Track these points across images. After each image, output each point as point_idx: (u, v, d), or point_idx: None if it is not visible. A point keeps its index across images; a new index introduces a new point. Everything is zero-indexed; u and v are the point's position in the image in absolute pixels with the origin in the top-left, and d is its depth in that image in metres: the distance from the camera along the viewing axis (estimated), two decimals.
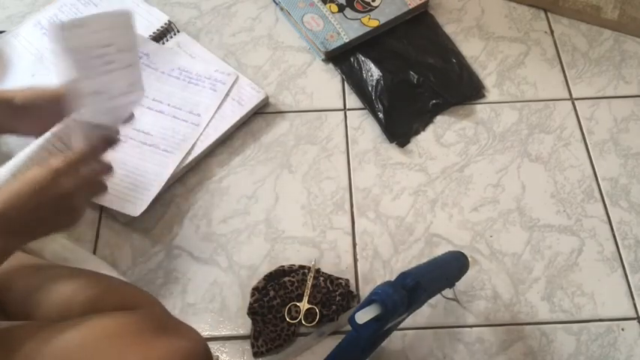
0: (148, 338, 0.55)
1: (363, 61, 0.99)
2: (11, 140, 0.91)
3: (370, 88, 0.96)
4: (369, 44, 1.01)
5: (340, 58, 1.00)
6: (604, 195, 0.89)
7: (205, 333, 0.77)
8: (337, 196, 0.88)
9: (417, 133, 0.94)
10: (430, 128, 0.95)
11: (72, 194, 0.55)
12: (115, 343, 0.54)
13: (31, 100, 0.64)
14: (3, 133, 0.76)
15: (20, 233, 0.54)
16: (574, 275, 0.82)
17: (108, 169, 0.61)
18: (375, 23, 1.01)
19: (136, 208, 0.83)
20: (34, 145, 0.60)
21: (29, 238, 0.57)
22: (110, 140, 0.60)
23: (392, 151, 0.92)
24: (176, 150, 0.88)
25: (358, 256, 0.83)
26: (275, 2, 1.07)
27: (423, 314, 0.78)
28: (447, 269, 0.71)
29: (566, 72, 1.01)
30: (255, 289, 0.78)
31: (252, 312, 0.77)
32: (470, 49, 1.03)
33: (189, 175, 0.89)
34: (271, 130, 0.94)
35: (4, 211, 0.51)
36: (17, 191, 0.52)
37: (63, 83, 0.55)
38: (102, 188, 0.61)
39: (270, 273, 0.80)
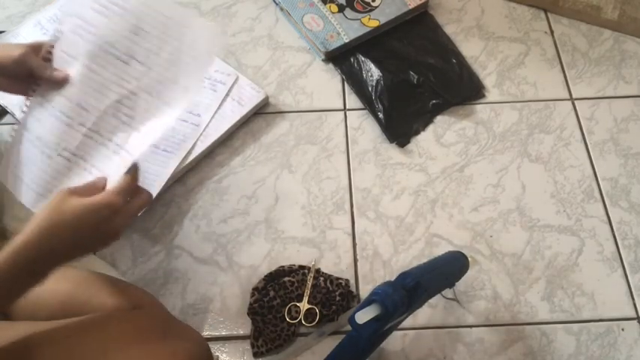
0: (150, 339, 0.55)
1: (363, 61, 0.99)
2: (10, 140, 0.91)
3: (370, 88, 0.96)
4: (369, 44, 1.01)
5: (340, 58, 1.00)
6: (604, 195, 0.89)
7: (205, 333, 0.77)
8: (337, 196, 0.88)
9: (417, 133, 0.94)
10: (430, 128, 0.95)
11: (118, 230, 0.56)
12: (117, 343, 0.54)
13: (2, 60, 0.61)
14: None
15: (59, 262, 0.53)
16: (574, 275, 0.82)
17: (149, 198, 0.60)
18: (375, 23, 1.01)
19: None
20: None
21: (64, 264, 0.55)
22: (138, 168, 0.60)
23: (392, 151, 0.92)
24: (176, 150, 0.88)
25: (358, 256, 0.83)
26: (275, 2, 1.07)
27: (423, 314, 0.78)
28: (447, 269, 0.71)
29: (566, 72, 1.01)
30: (255, 289, 0.78)
31: (252, 312, 0.77)
32: (470, 49, 1.03)
33: (189, 175, 0.89)
34: (271, 130, 0.94)
35: (53, 245, 0.51)
36: (69, 225, 0.51)
37: None
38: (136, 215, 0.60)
39: (270, 273, 0.80)
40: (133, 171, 0.59)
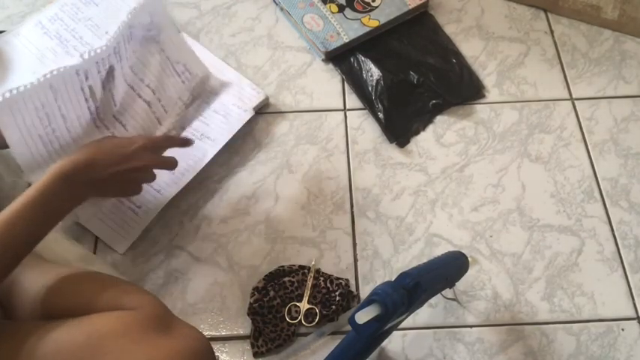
0: (152, 337, 0.55)
1: (363, 61, 0.99)
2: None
3: (370, 88, 0.96)
4: (369, 44, 1.01)
5: (340, 58, 1.00)
6: (604, 195, 0.89)
7: (205, 333, 0.77)
8: (337, 196, 0.88)
9: (417, 133, 0.94)
10: (430, 128, 0.95)
11: (141, 168, 0.67)
12: (120, 341, 0.54)
13: None
14: None
15: (96, 188, 0.64)
16: (574, 275, 0.82)
17: (174, 163, 0.72)
18: (375, 23, 1.01)
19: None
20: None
21: (98, 194, 0.67)
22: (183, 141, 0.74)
23: (392, 151, 0.92)
24: (180, 174, 0.85)
25: (358, 256, 0.83)
26: (275, 2, 1.07)
27: (423, 314, 0.78)
28: (447, 269, 0.71)
29: (566, 72, 1.01)
30: (255, 289, 0.78)
31: (252, 312, 0.77)
32: (470, 49, 1.03)
33: None
34: (271, 130, 0.94)
35: (94, 163, 0.62)
36: (108, 150, 0.64)
37: None
38: (153, 178, 0.71)
39: (270, 273, 0.80)
40: (179, 138, 0.72)
